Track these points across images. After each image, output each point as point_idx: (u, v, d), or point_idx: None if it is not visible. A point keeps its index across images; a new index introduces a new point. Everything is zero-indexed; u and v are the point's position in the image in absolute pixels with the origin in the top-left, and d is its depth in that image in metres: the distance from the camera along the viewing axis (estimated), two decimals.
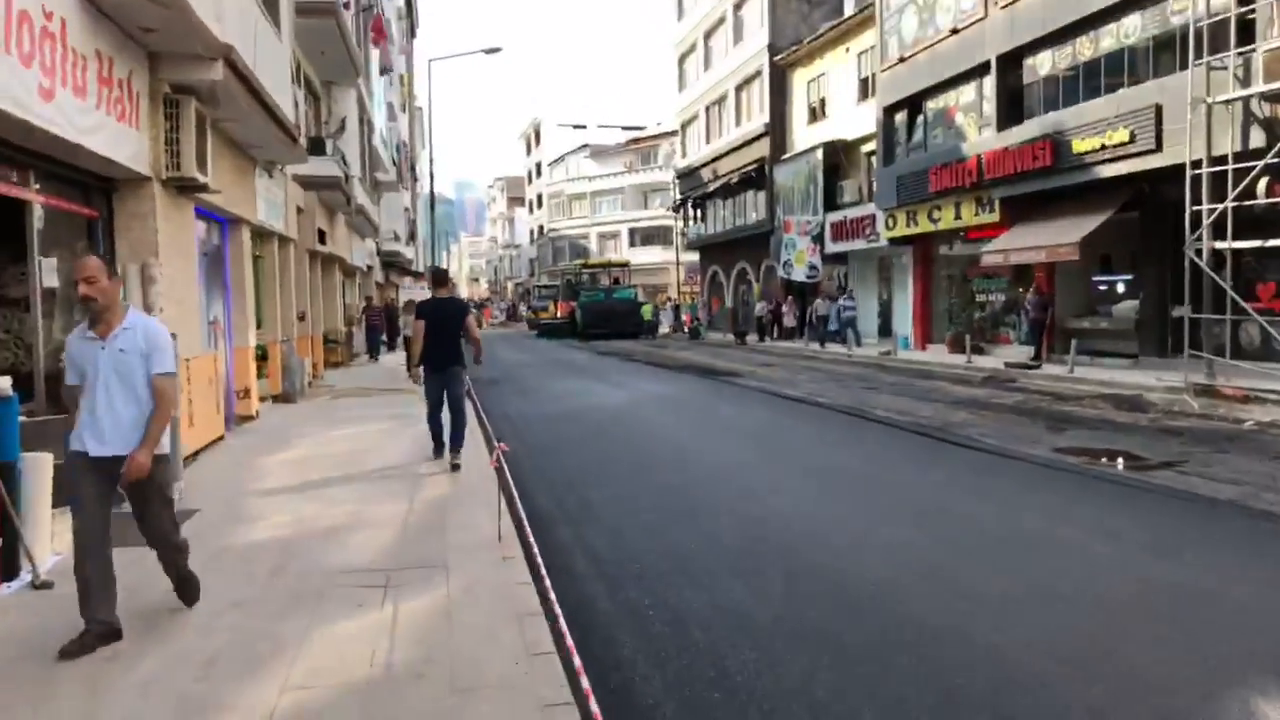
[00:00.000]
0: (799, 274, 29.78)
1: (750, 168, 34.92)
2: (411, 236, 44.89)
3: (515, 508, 5.89)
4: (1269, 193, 13.24)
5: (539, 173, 79.92)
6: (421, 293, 26.96)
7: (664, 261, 57.78)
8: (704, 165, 40.39)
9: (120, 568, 4.30)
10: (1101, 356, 17.53)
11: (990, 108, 20.37)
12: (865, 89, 27.53)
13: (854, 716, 3.58)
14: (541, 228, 77.70)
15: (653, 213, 63.94)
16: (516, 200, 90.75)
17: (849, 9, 29.00)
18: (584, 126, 74.08)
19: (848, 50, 28.62)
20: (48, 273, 6.95)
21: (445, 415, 8.85)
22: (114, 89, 7.03)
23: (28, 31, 5.51)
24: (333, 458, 9.20)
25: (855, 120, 27.87)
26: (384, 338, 27.15)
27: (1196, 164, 13.61)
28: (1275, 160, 12.58)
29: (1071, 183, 17.58)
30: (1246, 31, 13.51)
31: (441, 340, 8.80)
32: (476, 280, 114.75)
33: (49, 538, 5.35)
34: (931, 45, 22.17)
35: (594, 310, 37.86)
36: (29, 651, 4.09)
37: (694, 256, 47.06)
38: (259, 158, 12.06)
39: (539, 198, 79.78)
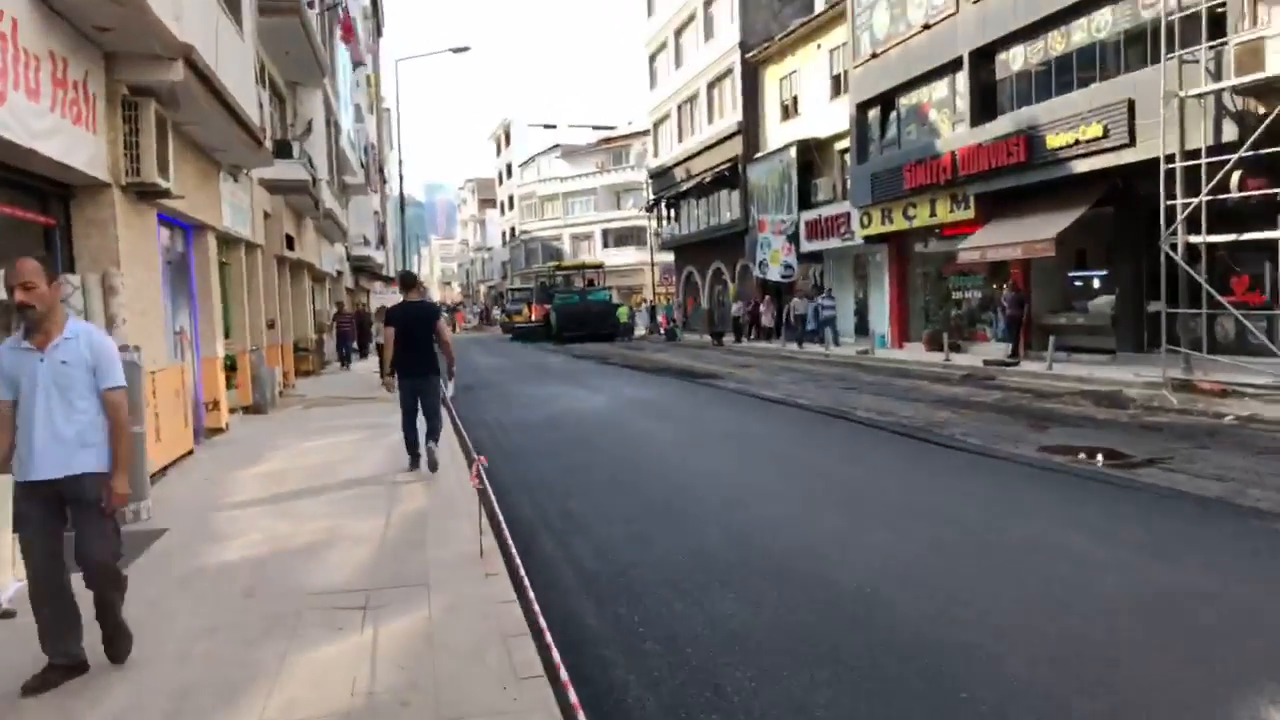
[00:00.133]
0: (774, 274, 29.74)
1: (723, 167, 34.85)
2: (381, 240, 44.39)
3: (497, 522, 5.70)
4: (1242, 186, 13.30)
5: (510, 174, 79.43)
6: (394, 297, 26.63)
7: (638, 262, 57.64)
8: (677, 165, 40.28)
9: (83, 595, 4.05)
10: (1079, 353, 17.58)
11: (964, 104, 20.39)
12: (838, 86, 27.53)
13: None
14: (514, 230, 77.23)
15: (626, 213, 63.78)
16: (488, 202, 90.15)
17: (819, 5, 28.97)
18: (555, 126, 73.77)
19: (819, 47, 28.61)
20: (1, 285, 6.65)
21: (421, 422, 8.65)
22: (69, 91, 6.75)
23: None
24: (306, 470, 8.95)
25: (828, 118, 27.85)
26: (355, 345, 26.82)
27: (1170, 158, 13.66)
28: (1249, 153, 12.64)
29: (1046, 178, 17.62)
30: (1218, 25, 13.56)
31: (413, 346, 8.62)
32: (449, 284, 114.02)
33: (10, 563, 5.08)
34: (903, 41, 22.19)
35: (569, 313, 37.57)
36: None
37: (668, 257, 46.93)
38: (223, 161, 11.75)
39: (510, 199, 79.30)
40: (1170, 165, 13.62)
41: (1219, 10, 13.62)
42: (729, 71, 34.69)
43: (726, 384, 17.26)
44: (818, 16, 28.19)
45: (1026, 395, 13.76)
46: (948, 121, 21.40)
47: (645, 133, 50.13)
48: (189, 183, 9.82)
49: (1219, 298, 13.19)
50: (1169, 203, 13.56)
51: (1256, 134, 12.56)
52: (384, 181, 47.95)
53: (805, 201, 28.85)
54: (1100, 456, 8.74)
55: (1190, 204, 13.23)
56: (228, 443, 10.94)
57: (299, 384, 18.88)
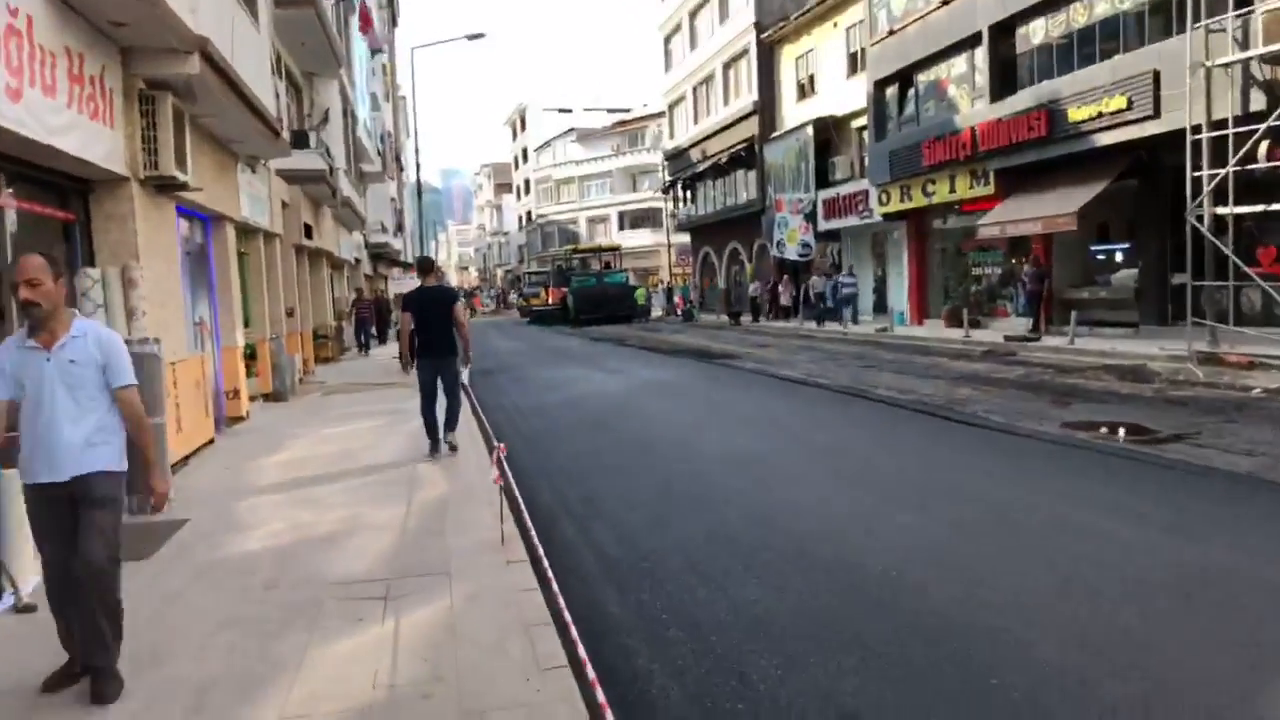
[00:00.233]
0: (792, 253, 29.55)
1: (740, 147, 34.61)
2: (399, 227, 44.48)
3: (518, 509, 5.68)
4: (1270, 156, 13.05)
5: (526, 158, 79.29)
6: (412, 283, 26.70)
7: (654, 244, 57.47)
8: (693, 146, 40.05)
9: None
10: (1101, 327, 17.37)
11: (983, 79, 20.12)
12: (855, 64, 27.23)
13: None
14: (530, 214, 77.16)
15: (641, 195, 63.54)
16: (504, 187, 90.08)
17: None
18: (570, 110, 73.42)
19: (836, 25, 28.30)
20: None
21: (440, 407, 8.67)
22: (86, 86, 6.75)
23: None
24: (326, 457, 8.98)
25: (845, 96, 27.57)
26: (374, 331, 26.93)
27: (1196, 129, 13.41)
28: (1276, 123, 12.37)
29: (1067, 152, 17.37)
30: None
31: (431, 330, 8.69)
32: (466, 268, 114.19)
33: (31, 557, 5.10)
34: (922, 17, 21.89)
35: (586, 296, 37.46)
36: (9, 684, 3.86)
37: (685, 238, 46.75)
38: (241, 153, 11.76)
39: (526, 183, 79.19)
40: (1196, 136, 13.36)
41: None
42: (744, 52, 34.39)
43: (744, 364, 17.18)
44: None
45: (1049, 371, 13.60)
46: (967, 97, 21.11)
47: (660, 115, 49.85)
48: (207, 174, 9.83)
49: (1246, 269, 12.97)
50: (1195, 174, 13.31)
51: None
52: (401, 169, 47.97)
53: (823, 180, 28.62)
54: (1125, 432, 8.62)
55: (1217, 175, 12.99)
56: (248, 431, 11.00)
57: (318, 371, 18.98)
